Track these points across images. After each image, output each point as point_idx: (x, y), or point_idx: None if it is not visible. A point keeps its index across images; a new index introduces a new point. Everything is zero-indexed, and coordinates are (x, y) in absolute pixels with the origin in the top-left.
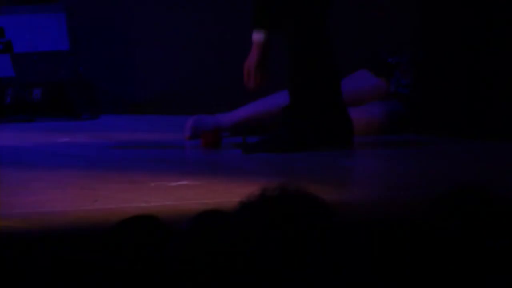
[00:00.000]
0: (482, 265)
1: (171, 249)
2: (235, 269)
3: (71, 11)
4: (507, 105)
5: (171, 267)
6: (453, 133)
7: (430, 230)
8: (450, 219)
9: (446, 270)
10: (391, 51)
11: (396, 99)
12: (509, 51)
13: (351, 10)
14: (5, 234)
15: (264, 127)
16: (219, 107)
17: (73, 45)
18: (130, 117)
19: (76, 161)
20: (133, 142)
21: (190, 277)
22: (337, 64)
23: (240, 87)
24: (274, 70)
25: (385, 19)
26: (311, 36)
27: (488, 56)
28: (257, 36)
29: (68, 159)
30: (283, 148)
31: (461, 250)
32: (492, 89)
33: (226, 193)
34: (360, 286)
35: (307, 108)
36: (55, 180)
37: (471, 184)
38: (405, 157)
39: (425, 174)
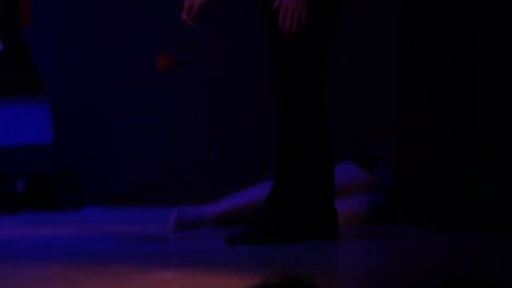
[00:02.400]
0: None
1: None
2: None
3: (55, 103)
4: (490, 197)
5: None
6: (435, 225)
7: None
8: None
9: None
10: (374, 142)
11: (380, 192)
12: (492, 139)
13: (333, 101)
14: None
15: (247, 219)
16: (202, 198)
17: (56, 136)
18: (113, 209)
19: (59, 254)
20: (116, 234)
21: None
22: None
23: (223, 179)
24: (257, 161)
25: (367, 111)
26: (304, 127)
27: (470, 146)
28: None
29: (51, 252)
30: (266, 240)
31: None
32: (474, 180)
33: (210, 285)
34: None
35: (292, 200)
36: (38, 273)
37: (456, 276)
38: (388, 249)
39: (408, 266)
